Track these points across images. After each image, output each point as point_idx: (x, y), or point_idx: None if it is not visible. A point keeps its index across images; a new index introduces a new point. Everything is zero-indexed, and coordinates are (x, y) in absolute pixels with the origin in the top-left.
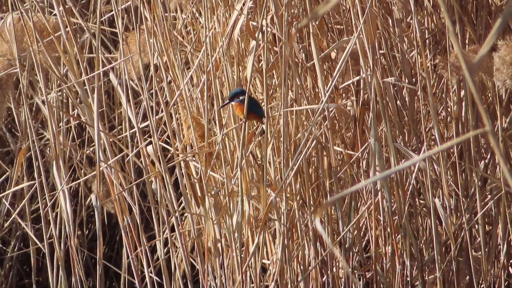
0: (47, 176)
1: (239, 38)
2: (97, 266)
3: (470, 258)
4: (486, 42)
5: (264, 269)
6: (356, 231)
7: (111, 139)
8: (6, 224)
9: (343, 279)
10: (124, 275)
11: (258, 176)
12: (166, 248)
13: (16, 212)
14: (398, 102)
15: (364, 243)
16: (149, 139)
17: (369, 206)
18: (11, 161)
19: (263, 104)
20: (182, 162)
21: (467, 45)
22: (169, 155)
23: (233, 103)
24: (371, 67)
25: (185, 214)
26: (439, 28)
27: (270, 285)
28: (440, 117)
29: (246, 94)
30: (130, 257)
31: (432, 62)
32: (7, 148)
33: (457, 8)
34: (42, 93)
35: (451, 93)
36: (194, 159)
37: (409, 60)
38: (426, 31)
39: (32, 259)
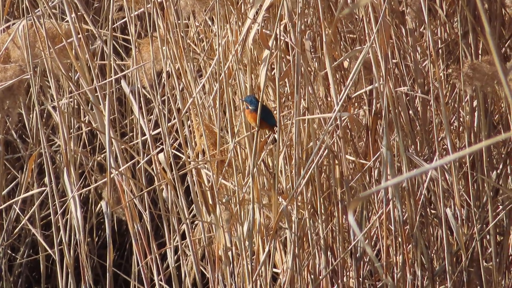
0: (57, 183)
1: (252, 46)
2: (107, 273)
3: (481, 269)
4: None
5: (274, 278)
6: (367, 240)
7: (122, 146)
8: (15, 231)
9: None
10: (133, 282)
11: (270, 185)
12: (176, 256)
13: (26, 218)
14: (410, 111)
15: (375, 252)
16: (161, 147)
17: (380, 216)
18: (21, 167)
19: (275, 112)
20: (193, 170)
21: (480, 55)
22: (181, 162)
23: (245, 108)
24: (384, 76)
25: (196, 222)
26: (452, 38)
27: None
28: (452, 127)
29: (260, 103)
30: (140, 264)
31: (445, 71)
32: (17, 154)
33: (470, 18)
34: (54, 99)
35: (463, 103)
36: (205, 166)
37: (422, 69)
38: (439, 40)
39: (41, 265)
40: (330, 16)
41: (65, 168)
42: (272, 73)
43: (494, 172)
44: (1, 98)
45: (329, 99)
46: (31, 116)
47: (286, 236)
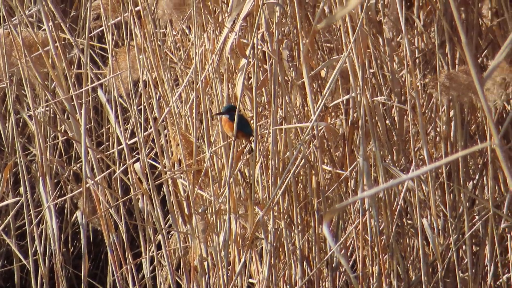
0: (32, 192)
1: (229, 56)
2: (82, 284)
3: (457, 279)
4: (499, 53)
5: None
6: (343, 251)
7: (98, 156)
8: None
9: None
10: None
11: (246, 195)
12: (152, 266)
13: (0, 228)
14: (387, 121)
15: (351, 262)
16: (137, 156)
17: (356, 226)
18: None
19: (252, 121)
20: (169, 180)
21: (457, 65)
22: (157, 172)
23: (224, 117)
24: (361, 86)
25: (172, 232)
26: (429, 47)
27: None
28: (429, 137)
29: (236, 112)
30: (115, 275)
31: (422, 81)
32: None
33: (447, 28)
34: (30, 108)
35: (440, 113)
36: (182, 176)
37: (399, 79)
38: (416, 50)
39: (15, 276)
40: (308, 26)
41: (40, 177)
42: (249, 82)
43: (471, 182)
44: None
45: (306, 108)
46: (6, 125)
47: (262, 246)
